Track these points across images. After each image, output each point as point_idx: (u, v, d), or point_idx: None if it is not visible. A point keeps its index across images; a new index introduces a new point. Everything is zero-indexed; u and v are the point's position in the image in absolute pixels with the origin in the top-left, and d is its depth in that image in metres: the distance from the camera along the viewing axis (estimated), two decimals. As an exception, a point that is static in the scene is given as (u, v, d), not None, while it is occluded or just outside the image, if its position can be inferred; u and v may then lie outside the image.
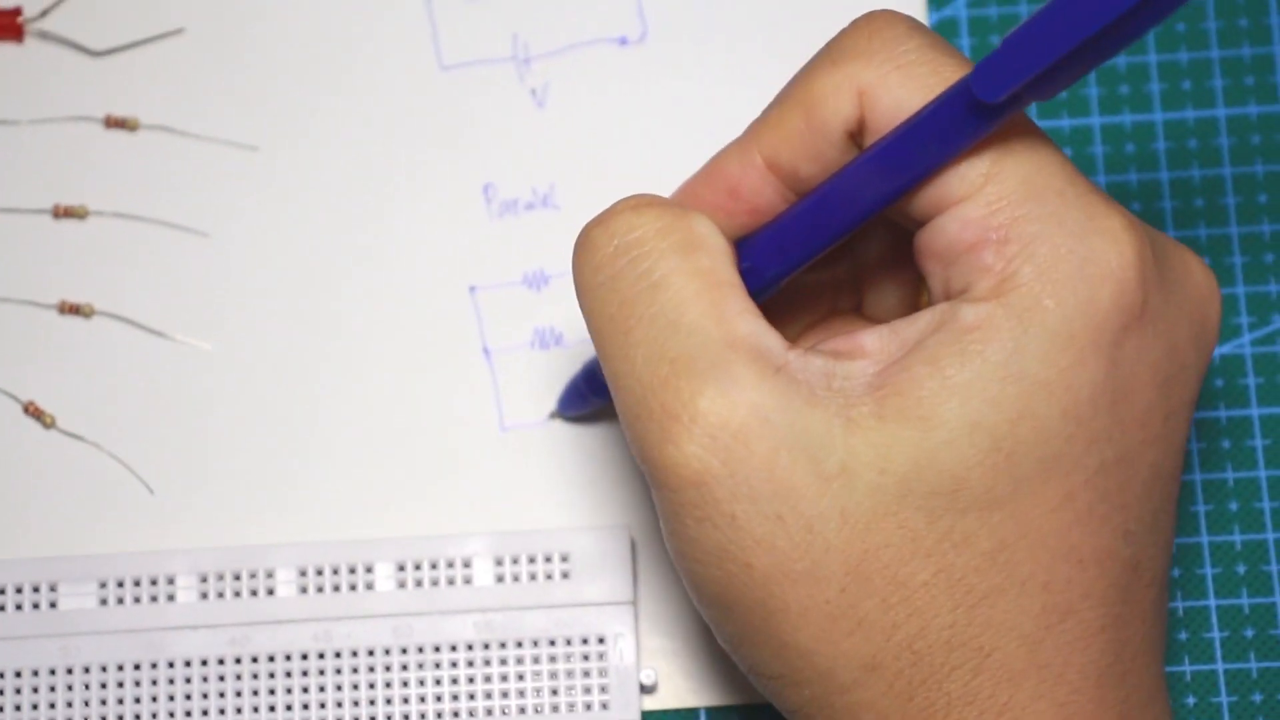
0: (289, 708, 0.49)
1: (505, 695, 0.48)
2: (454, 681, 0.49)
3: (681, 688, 0.49)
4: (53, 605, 0.49)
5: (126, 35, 0.54)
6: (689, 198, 0.41)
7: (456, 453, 0.51)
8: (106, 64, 0.54)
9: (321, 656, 0.49)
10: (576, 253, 0.40)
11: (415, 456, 0.51)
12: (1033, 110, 0.52)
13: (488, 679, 0.49)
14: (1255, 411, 0.51)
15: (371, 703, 0.49)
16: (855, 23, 0.40)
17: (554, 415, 0.51)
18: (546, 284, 0.52)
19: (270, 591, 0.49)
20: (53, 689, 0.49)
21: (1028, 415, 0.37)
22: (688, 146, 0.52)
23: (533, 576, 0.49)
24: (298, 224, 0.52)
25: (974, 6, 0.53)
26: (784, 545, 0.37)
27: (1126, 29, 0.34)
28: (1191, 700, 0.49)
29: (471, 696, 0.49)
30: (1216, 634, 0.49)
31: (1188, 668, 0.49)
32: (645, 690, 0.49)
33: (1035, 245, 0.37)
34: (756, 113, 0.41)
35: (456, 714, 0.48)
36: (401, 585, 0.49)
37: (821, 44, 0.40)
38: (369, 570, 0.49)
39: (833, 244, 0.40)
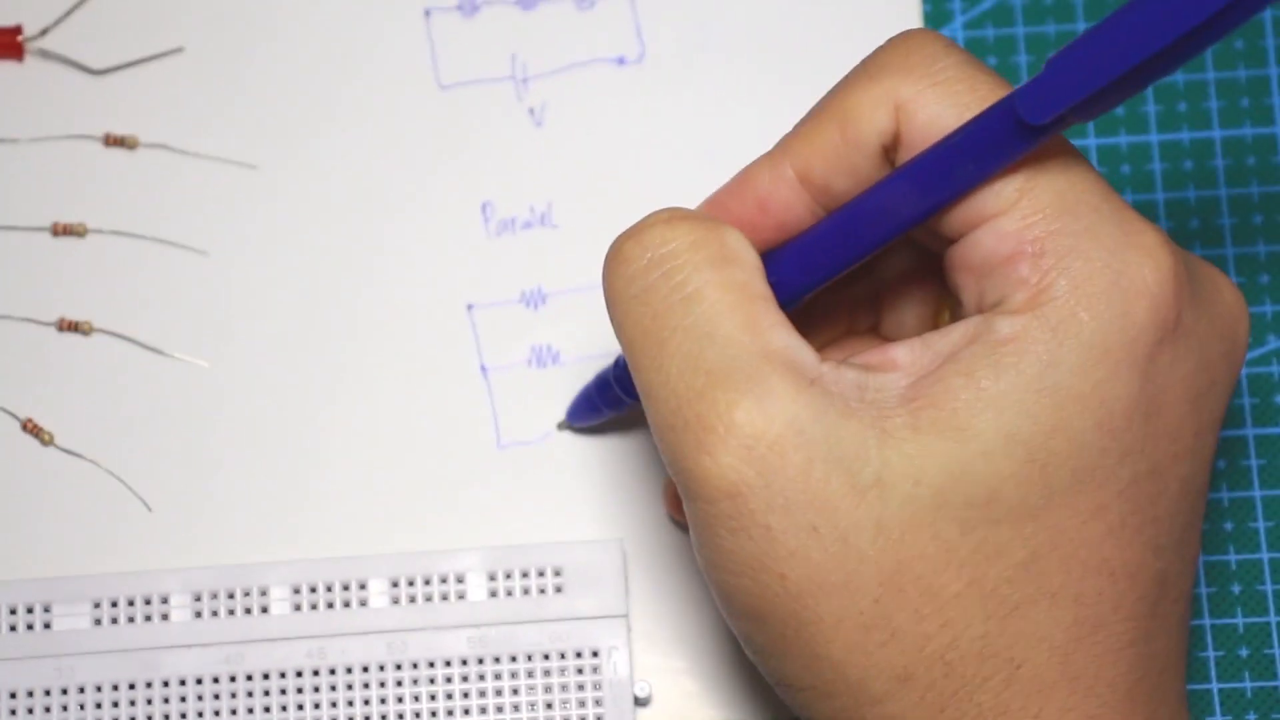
0: (288, 725, 0.48)
1: (500, 710, 0.48)
2: (449, 697, 0.49)
3: (676, 701, 0.49)
4: (47, 626, 0.49)
5: (126, 54, 0.53)
6: (716, 210, 0.41)
7: (454, 470, 0.51)
8: (106, 82, 0.53)
9: (316, 674, 0.49)
10: (608, 265, 0.40)
11: (412, 474, 0.51)
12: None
13: (482, 694, 0.49)
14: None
15: (367, 719, 0.48)
16: (892, 40, 0.40)
17: (562, 426, 0.51)
18: (544, 302, 0.52)
19: (264, 609, 0.49)
20: (48, 710, 0.48)
21: (1062, 427, 0.37)
22: (685, 166, 0.52)
23: (526, 591, 0.49)
24: (296, 242, 0.52)
25: (970, 28, 0.53)
26: (818, 557, 0.37)
27: (1179, 51, 0.34)
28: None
29: (466, 712, 0.48)
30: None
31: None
32: (640, 703, 0.49)
33: (1070, 259, 0.37)
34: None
35: (455, 730, 0.49)
36: (395, 601, 0.49)
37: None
38: (363, 587, 0.49)
39: (862, 259, 0.40)
